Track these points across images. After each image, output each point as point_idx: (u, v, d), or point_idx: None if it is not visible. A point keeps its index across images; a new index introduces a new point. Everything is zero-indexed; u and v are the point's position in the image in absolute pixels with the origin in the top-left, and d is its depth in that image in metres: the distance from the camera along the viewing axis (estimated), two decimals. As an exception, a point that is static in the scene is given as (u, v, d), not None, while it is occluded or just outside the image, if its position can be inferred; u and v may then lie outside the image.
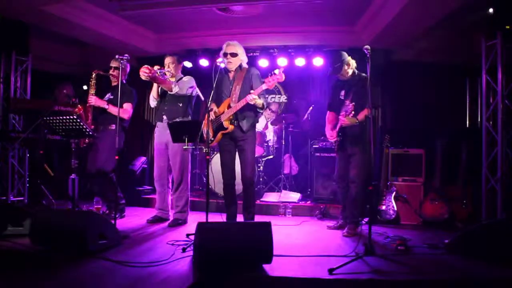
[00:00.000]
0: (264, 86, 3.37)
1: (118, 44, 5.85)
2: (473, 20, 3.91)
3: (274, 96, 6.67)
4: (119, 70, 4.07)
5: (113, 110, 4.10)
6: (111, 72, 4.27)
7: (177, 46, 6.45)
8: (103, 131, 4.16)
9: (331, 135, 3.89)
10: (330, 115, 4.03)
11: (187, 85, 4.03)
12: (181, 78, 4.12)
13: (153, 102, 4.13)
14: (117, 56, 3.74)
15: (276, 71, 3.31)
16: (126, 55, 3.68)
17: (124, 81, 4.29)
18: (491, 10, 3.86)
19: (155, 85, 4.03)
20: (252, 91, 3.42)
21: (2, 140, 4.73)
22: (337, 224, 3.98)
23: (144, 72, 3.63)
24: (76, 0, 4.78)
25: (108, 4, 4.96)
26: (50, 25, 5.20)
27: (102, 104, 4.13)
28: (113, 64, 4.26)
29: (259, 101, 3.48)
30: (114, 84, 4.32)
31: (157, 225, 4.05)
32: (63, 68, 6.77)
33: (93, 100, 4.08)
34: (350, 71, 3.78)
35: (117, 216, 4.14)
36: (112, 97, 4.22)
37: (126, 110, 4.21)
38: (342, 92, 3.81)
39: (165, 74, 3.90)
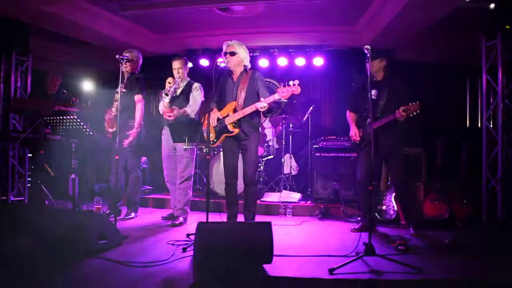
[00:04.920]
0: (276, 96, 3.32)
1: (118, 44, 5.85)
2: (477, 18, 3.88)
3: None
4: (130, 62, 4.13)
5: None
6: (123, 65, 4.11)
7: (177, 46, 6.45)
8: (124, 127, 4.14)
9: (355, 134, 3.89)
10: (351, 115, 4.05)
11: (198, 102, 4.13)
12: (189, 83, 4.18)
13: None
14: (117, 56, 3.76)
15: (291, 83, 3.26)
16: (126, 55, 3.69)
17: (136, 72, 4.31)
18: (492, 6, 3.83)
19: (165, 97, 4.12)
20: (262, 99, 3.39)
21: (2, 139, 4.73)
22: (360, 226, 3.88)
23: (169, 117, 3.97)
24: (76, 0, 4.78)
25: (108, 4, 4.96)
26: (50, 25, 5.20)
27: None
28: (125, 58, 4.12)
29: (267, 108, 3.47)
30: (126, 76, 4.26)
31: (158, 225, 4.05)
32: (63, 68, 6.77)
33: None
34: (381, 72, 3.81)
35: (134, 216, 4.34)
36: (124, 90, 4.13)
37: (140, 108, 4.18)
38: (373, 92, 3.79)
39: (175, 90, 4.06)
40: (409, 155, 4.68)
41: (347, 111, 4.09)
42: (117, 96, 4.11)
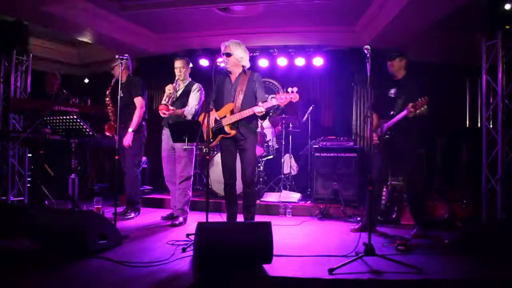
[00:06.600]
0: (274, 102, 3.32)
1: (118, 44, 5.85)
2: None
3: (273, 96, 6.66)
4: (118, 68, 4.13)
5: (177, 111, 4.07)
6: (113, 72, 4.30)
7: (177, 46, 6.45)
8: (124, 129, 4.16)
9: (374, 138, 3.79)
10: (376, 118, 3.92)
11: (196, 103, 4.13)
12: (190, 83, 4.20)
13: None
14: (116, 56, 3.78)
15: (290, 90, 3.26)
16: (126, 55, 3.69)
17: (130, 74, 4.38)
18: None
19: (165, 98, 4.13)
20: (260, 104, 3.38)
21: (2, 140, 4.73)
22: (360, 226, 3.87)
23: (163, 114, 3.97)
24: (76, 0, 4.78)
25: (108, 4, 4.96)
26: (50, 25, 5.20)
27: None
28: (113, 64, 4.28)
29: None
30: (122, 81, 4.30)
31: (158, 225, 4.05)
32: (63, 68, 6.78)
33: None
34: (402, 71, 3.78)
35: (134, 216, 4.35)
36: (122, 94, 4.17)
37: (141, 106, 4.22)
38: (392, 91, 3.78)
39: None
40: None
41: (375, 115, 3.94)
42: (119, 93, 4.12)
